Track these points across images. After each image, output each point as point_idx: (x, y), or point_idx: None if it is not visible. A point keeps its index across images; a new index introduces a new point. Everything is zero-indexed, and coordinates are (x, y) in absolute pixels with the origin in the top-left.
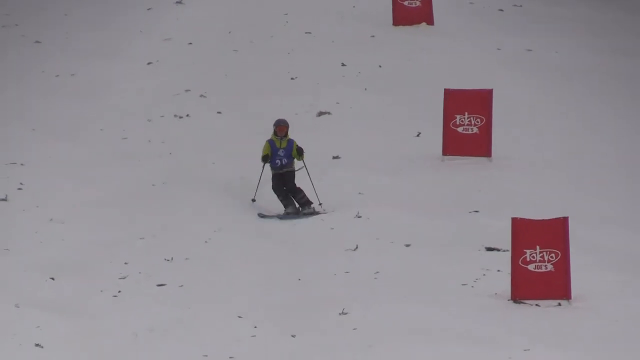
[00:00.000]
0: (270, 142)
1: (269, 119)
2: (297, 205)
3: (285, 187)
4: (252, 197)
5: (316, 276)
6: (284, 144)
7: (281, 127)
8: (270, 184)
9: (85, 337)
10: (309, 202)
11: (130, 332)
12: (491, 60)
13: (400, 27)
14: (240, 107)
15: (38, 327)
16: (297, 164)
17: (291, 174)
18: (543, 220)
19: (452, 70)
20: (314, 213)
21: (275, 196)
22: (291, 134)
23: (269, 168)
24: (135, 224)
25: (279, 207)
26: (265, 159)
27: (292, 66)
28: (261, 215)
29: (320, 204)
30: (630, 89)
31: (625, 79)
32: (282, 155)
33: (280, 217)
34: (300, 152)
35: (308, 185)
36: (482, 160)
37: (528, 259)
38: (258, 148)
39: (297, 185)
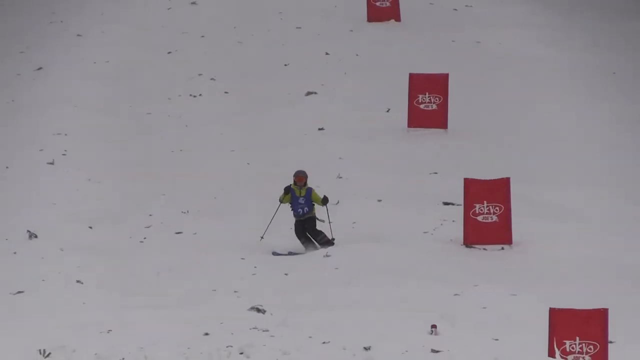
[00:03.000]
0: (291, 190)
1: (267, 98)
2: (318, 245)
3: (307, 231)
4: (261, 236)
5: None
6: (303, 193)
7: (300, 177)
8: (293, 228)
9: (116, 275)
10: (329, 242)
11: (153, 271)
12: (447, 50)
13: (373, 23)
14: (243, 88)
15: (78, 266)
16: (319, 213)
17: (312, 219)
18: (489, 180)
19: (416, 58)
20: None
21: (293, 237)
22: (284, 109)
23: (292, 215)
24: (157, 182)
25: (287, 244)
26: (286, 190)
27: (286, 54)
28: (275, 254)
29: (333, 239)
30: (560, 73)
31: (555, 66)
32: (302, 204)
33: (292, 253)
34: (325, 202)
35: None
36: (440, 131)
37: (477, 212)
38: (258, 121)
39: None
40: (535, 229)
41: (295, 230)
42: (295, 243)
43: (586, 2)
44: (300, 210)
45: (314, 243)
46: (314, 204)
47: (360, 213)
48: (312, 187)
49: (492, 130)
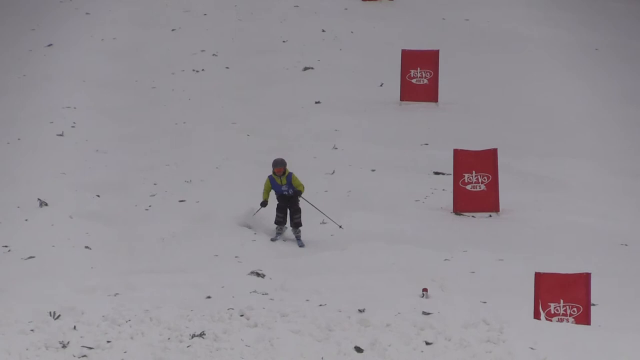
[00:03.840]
0: (271, 179)
1: (266, 73)
2: (289, 225)
3: (290, 208)
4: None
5: (303, 194)
6: (284, 181)
7: (279, 168)
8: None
9: (123, 241)
10: (299, 225)
11: (157, 237)
12: (438, 28)
13: (367, 2)
14: (243, 63)
15: (87, 233)
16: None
17: (296, 198)
18: (478, 150)
19: (408, 36)
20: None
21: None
22: (282, 83)
23: (277, 199)
24: (162, 153)
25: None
26: (263, 204)
27: (284, 31)
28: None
29: (340, 227)
30: (546, 50)
31: (542, 43)
32: (286, 189)
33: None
34: (298, 194)
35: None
36: (431, 105)
37: (466, 181)
38: (258, 95)
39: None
40: (521, 197)
41: (278, 206)
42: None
43: None
44: (285, 192)
45: (284, 224)
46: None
47: (354, 182)
48: (292, 172)
49: (480, 104)
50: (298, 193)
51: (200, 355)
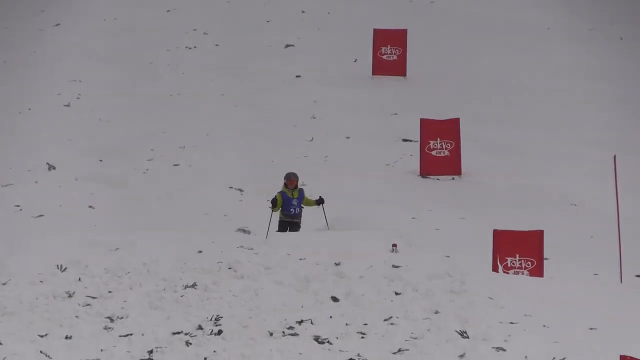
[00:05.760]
0: (282, 194)
1: (252, 49)
2: None
3: (290, 229)
4: (265, 237)
5: (284, 159)
6: (295, 194)
7: (291, 180)
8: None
9: (122, 201)
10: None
11: (154, 197)
12: (406, 9)
13: None
14: (231, 41)
15: (91, 194)
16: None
17: (297, 225)
18: (442, 120)
19: (379, 16)
20: None
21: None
22: (266, 59)
23: (280, 215)
24: (158, 122)
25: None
26: (274, 203)
27: (268, 12)
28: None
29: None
30: (500, 28)
31: (496, 21)
32: (295, 205)
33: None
34: (320, 202)
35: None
36: (400, 78)
37: (432, 147)
38: (244, 70)
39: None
40: (481, 162)
41: (279, 225)
42: None
43: None
44: (292, 209)
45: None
46: (303, 208)
47: (331, 148)
48: (303, 189)
49: (444, 78)
50: (320, 201)
51: (192, 304)
